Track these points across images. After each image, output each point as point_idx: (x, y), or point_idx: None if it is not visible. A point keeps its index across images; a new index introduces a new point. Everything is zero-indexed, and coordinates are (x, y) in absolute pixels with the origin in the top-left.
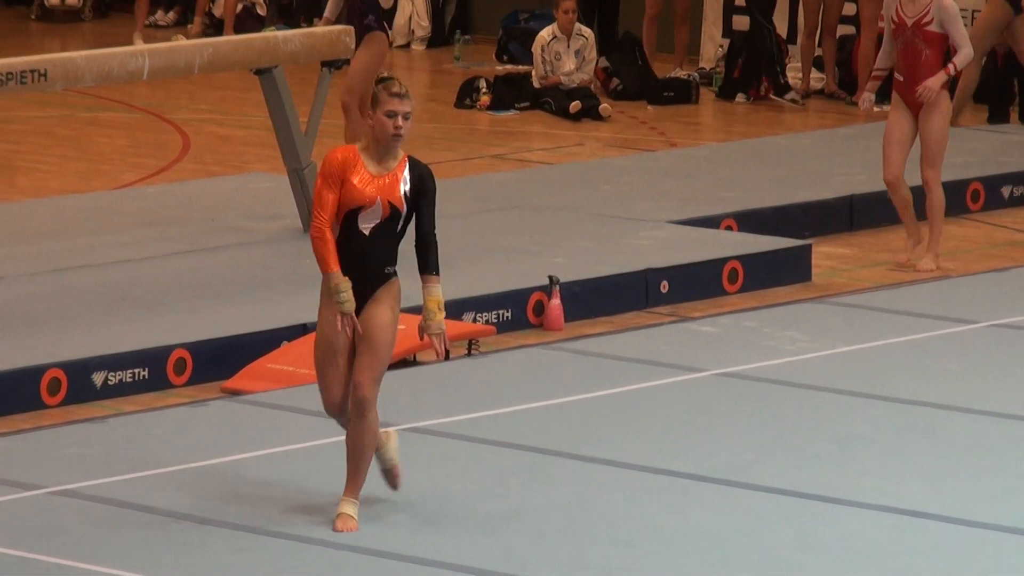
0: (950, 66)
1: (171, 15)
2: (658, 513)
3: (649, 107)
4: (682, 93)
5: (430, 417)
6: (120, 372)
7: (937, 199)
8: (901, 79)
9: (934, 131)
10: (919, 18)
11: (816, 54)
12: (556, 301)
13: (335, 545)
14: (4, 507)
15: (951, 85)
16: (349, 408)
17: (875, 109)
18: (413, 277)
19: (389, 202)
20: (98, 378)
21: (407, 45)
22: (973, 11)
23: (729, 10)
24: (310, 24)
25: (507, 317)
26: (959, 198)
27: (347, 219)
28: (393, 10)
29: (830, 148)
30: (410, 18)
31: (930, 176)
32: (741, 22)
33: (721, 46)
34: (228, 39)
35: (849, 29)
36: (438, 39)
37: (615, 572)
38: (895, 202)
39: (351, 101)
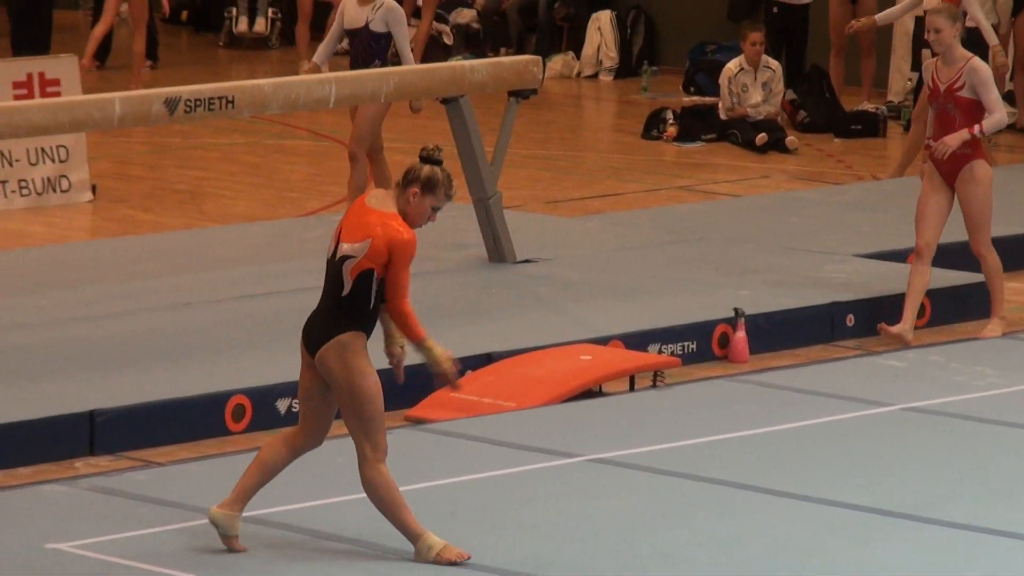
0: (976, 126)
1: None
2: (843, 548)
3: (836, 140)
4: (870, 126)
5: (614, 448)
6: (292, 400)
7: (992, 266)
8: (932, 145)
9: (975, 201)
10: (951, 83)
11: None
12: (741, 333)
13: (515, 574)
14: (189, 532)
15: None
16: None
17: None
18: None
19: None
20: (282, 405)
21: (595, 75)
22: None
23: (917, 44)
24: (497, 53)
25: (692, 349)
26: None
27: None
28: (580, 40)
29: (1021, 183)
30: (598, 48)
31: (980, 245)
32: (930, 56)
33: (910, 79)
34: (414, 68)
35: None
36: (626, 70)
37: None
38: (920, 280)
39: (359, 151)
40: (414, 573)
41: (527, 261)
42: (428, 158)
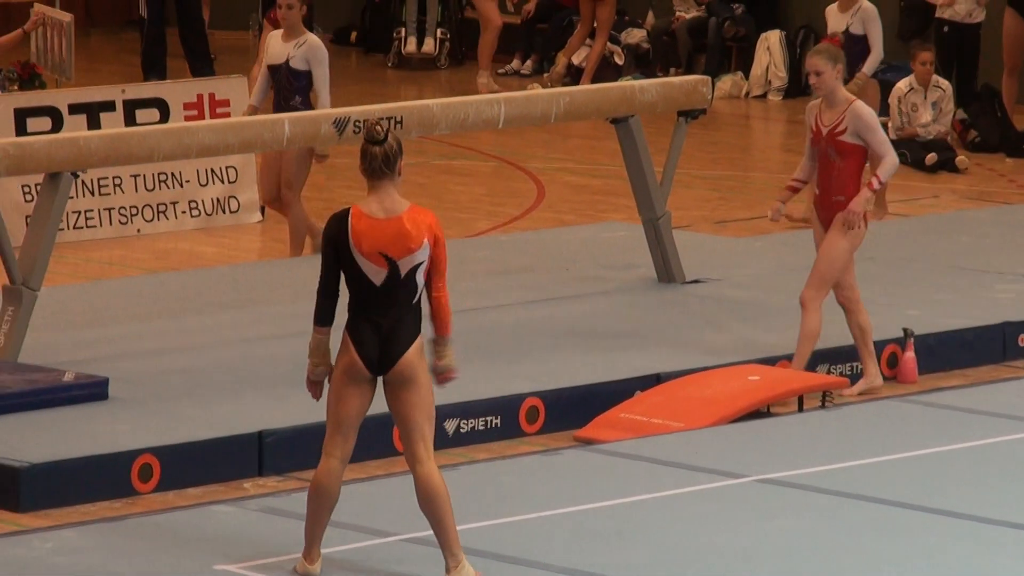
0: (873, 180)
1: (529, 63)
2: (1013, 569)
3: (1007, 160)
4: None
5: (783, 469)
6: (472, 420)
7: (808, 325)
8: (817, 192)
9: (832, 252)
10: (834, 126)
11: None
12: (910, 353)
13: None
14: (358, 553)
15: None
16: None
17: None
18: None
19: None
20: (450, 425)
21: (764, 95)
22: None
23: None
24: (666, 73)
25: (861, 369)
26: None
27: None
28: (749, 60)
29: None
30: (767, 68)
31: (809, 297)
32: None
33: None
34: (585, 88)
35: None
36: (795, 89)
37: None
38: (805, 327)
39: (292, 196)
40: None
41: (696, 281)
42: (384, 136)
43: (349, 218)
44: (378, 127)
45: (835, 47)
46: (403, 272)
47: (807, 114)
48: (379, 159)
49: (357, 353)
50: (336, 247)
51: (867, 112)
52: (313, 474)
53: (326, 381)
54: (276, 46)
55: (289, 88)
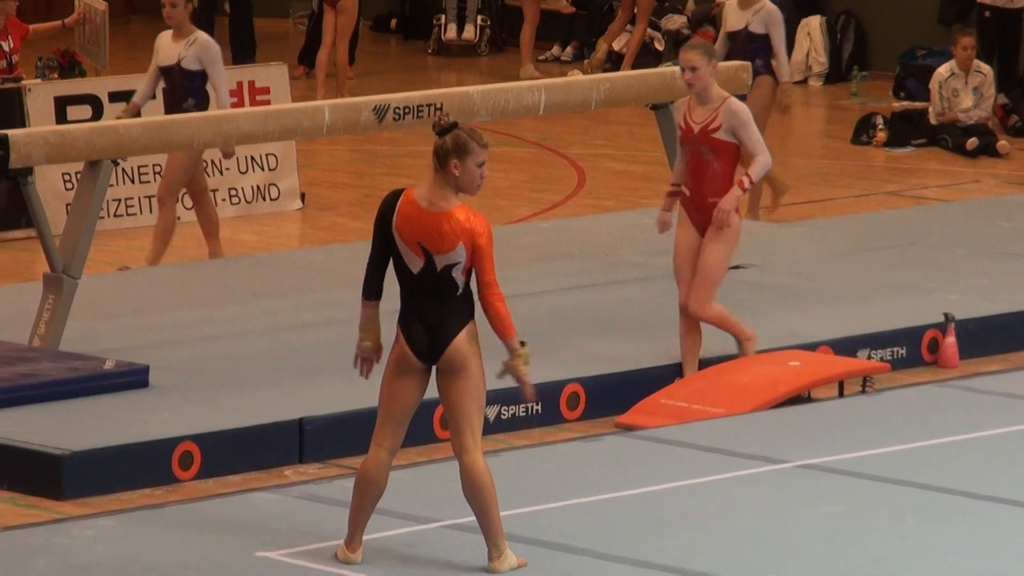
0: (744, 179)
1: (569, 50)
2: None
3: None
4: None
5: (823, 454)
6: (513, 406)
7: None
8: (688, 193)
9: (711, 258)
10: (707, 124)
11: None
12: (951, 339)
13: None
14: (399, 539)
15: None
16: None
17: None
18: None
19: None
20: (491, 412)
21: (804, 81)
22: None
23: None
24: None
25: (901, 354)
26: None
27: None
28: (791, 45)
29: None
30: (808, 54)
31: (696, 309)
32: None
33: None
34: (625, 74)
35: None
36: (835, 75)
37: None
38: (684, 334)
39: (168, 196)
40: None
41: (736, 267)
42: (444, 129)
43: (399, 199)
44: (441, 119)
45: (709, 42)
46: (439, 267)
47: (675, 111)
48: (433, 150)
49: (407, 343)
50: (383, 224)
51: (742, 108)
52: (361, 463)
53: (377, 363)
54: (166, 47)
55: (183, 89)
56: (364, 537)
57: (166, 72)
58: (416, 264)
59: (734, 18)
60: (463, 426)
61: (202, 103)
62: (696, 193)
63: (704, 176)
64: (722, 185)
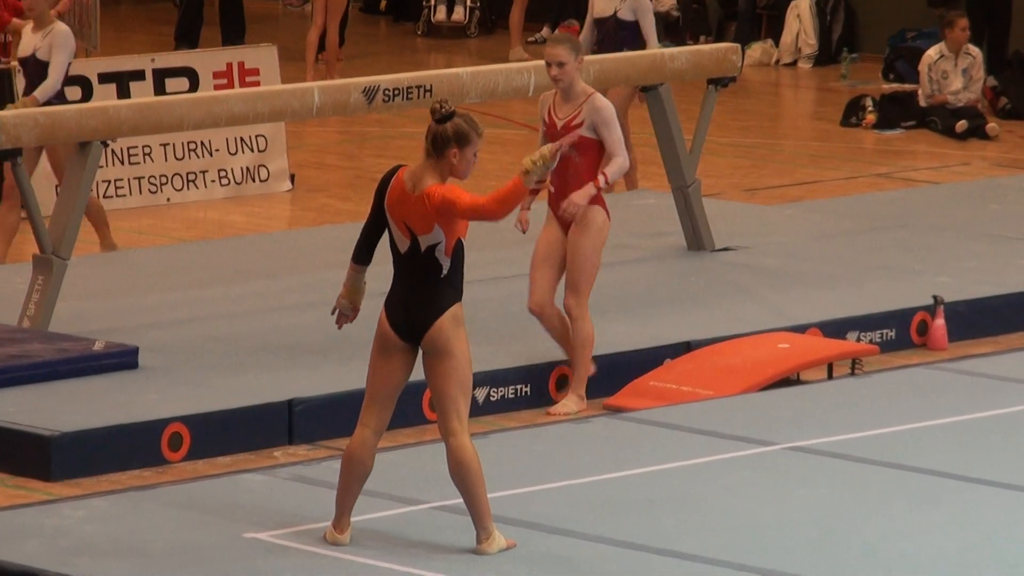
0: (600, 177)
1: (558, 31)
2: None
3: None
4: None
5: (812, 436)
6: (503, 388)
7: (582, 333)
8: (552, 190)
9: (581, 251)
10: (570, 120)
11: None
12: (940, 321)
13: (722, 563)
14: (387, 521)
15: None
16: None
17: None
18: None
19: None
20: (480, 394)
21: (794, 63)
22: None
23: None
24: (696, 41)
25: (890, 337)
26: None
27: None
28: (779, 27)
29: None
30: (797, 36)
31: (572, 305)
32: None
33: None
34: (614, 56)
35: None
36: (825, 57)
37: None
38: (550, 334)
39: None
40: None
41: (725, 249)
42: (443, 116)
43: (393, 178)
44: (442, 106)
45: (575, 37)
46: (423, 247)
47: (540, 107)
48: (430, 135)
49: (388, 321)
50: (379, 199)
51: (606, 105)
52: (346, 443)
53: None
54: (26, 39)
55: (39, 79)
56: (352, 519)
57: (24, 63)
58: (403, 244)
59: (602, 4)
60: (448, 409)
61: (62, 94)
62: (560, 191)
63: (568, 173)
64: (585, 182)
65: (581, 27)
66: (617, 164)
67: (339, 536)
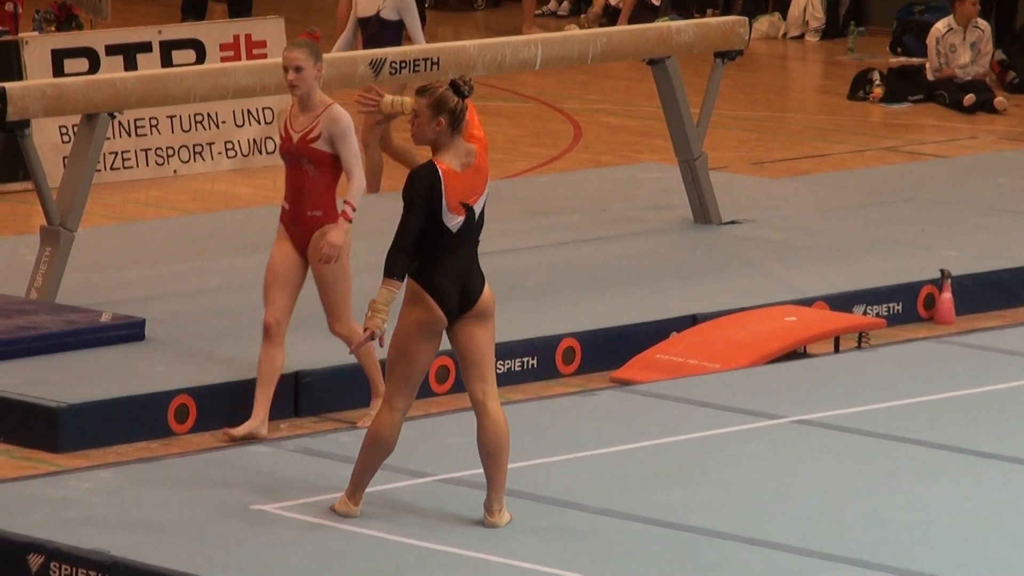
0: (347, 209)
1: (565, 4)
2: None
3: None
4: None
5: (819, 410)
6: (509, 360)
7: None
8: (287, 207)
9: (328, 275)
10: (306, 132)
11: None
12: (947, 295)
13: (728, 536)
14: (394, 494)
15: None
16: None
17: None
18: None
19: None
20: None
21: (801, 36)
22: None
23: None
24: (703, 15)
25: (897, 310)
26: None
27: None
28: (787, 1)
29: None
30: (804, 9)
31: (338, 330)
32: None
33: None
34: (622, 29)
35: None
36: (832, 30)
37: (1006, 568)
38: (261, 355)
39: (370, 138)
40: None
41: (732, 222)
42: (471, 89)
43: (442, 177)
44: (464, 81)
45: (315, 43)
46: (477, 214)
47: (278, 119)
48: (455, 113)
49: (439, 305)
50: (430, 204)
51: (344, 117)
52: (373, 423)
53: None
54: None
55: (382, 39)
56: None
57: (363, 24)
58: (457, 224)
59: (365, 3)
60: (488, 373)
61: None
62: (295, 207)
63: (304, 188)
64: (324, 198)
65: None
66: (356, 185)
67: (352, 508)
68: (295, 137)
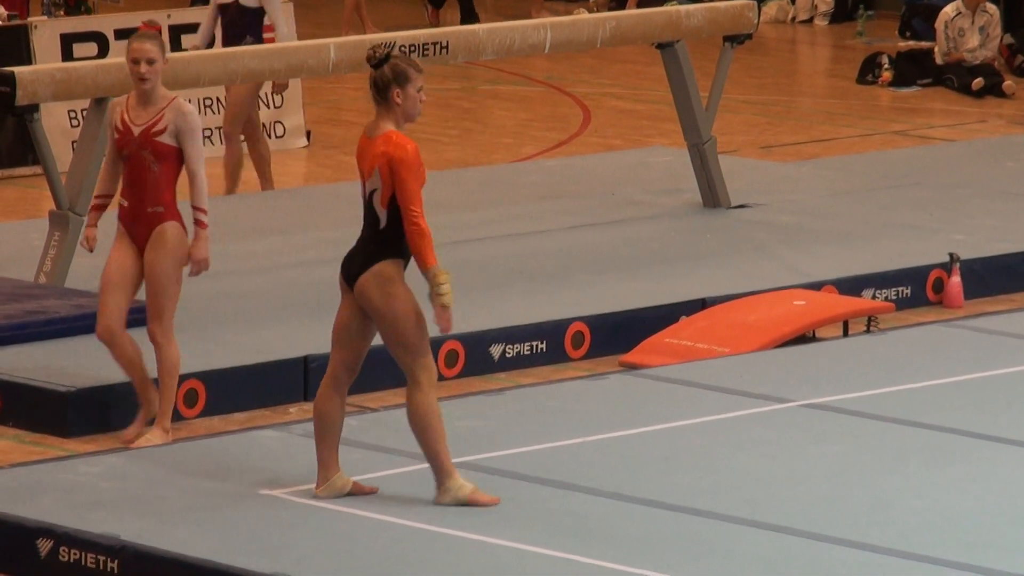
0: (201, 218)
1: None
2: None
3: None
4: None
5: (828, 394)
6: (518, 344)
7: (168, 360)
8: (126, 204)
9: (160, 273)
10: (150, 125)
11: None
12: (956, 279)
13: (737, 520)
14: (402, 478)
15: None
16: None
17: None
18: None
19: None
20: (495, 350)
21: (810, 20)
22: None
23: None
24: None
25: (906, 294)
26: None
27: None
28: None
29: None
30: None
31: (157, 331)
32: None
33: None
34: (631, 13)
35: None
36: (841, 14)
37: (1017, 551)
38: (118, 362)
39: (233, 131)
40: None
41: (741, 206)
42: (379, 60)
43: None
44: (375, 51)
45: (159, 34)
46: (366, 193)
47: (109, 112)
48: (372, 83)
49: (342, 266)
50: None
51: (192, 112)
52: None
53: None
54: None
55: (238, 28)
56: (367, 475)
57: (223, 10)
58: (362, 194)
59: None
60: (405, 367)
61: (260, 39)
62: (135, 203)
63: (145, 184)
64: (165, 193)
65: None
66: (202, 187)
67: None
68: (136, 131)
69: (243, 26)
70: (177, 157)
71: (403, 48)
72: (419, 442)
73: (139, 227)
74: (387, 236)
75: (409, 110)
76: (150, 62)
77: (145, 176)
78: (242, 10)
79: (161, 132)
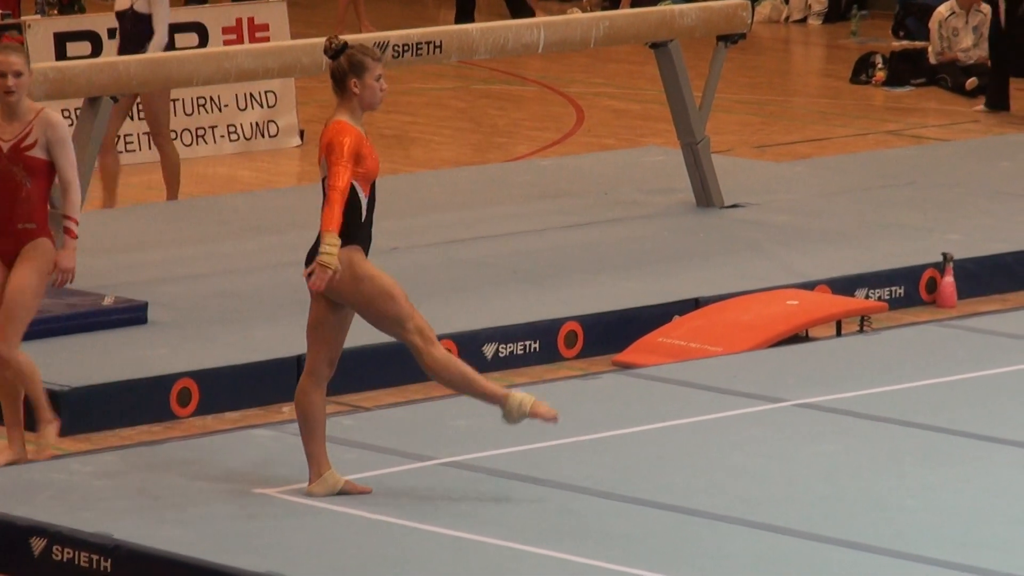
0: (71, 227)
1: None
2: None
3: None
4: None
5: (821, 393)
6: (511, 344)
7: (28, 369)
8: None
9: (26, 287)
10: (19, 139)
11: None
12: (949, 278)
13: (731, 519)
14: (396, 477)
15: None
16: None
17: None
18: None
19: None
20: (488, 350)
21: (803, 20)
22: None
23: None
24: None
25: (899, 294)
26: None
27: (372, 189)
28: None
29: None
30: None
31: (4, 344)
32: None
33: None
34: (624, 12)
35: None
36: (835, 14)
37: (1011, 551)
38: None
39: (163, 141)
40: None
41: (735, 206)
42: (336, 51)
43: None
44: (331, 42)
45: (22, 47)
46: (321, 180)
47: None
48: (330, 74)
49: None
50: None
51: (62, 123)
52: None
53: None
54: None
55: (137, 33)
56: (361, 474)
57: (120, 17)
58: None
59: None
60: (399, 338)
61: (173, 45)
62: (5, 220)
63: (16, 200)
64: (38, 209)
65: None
66: (73, 200)
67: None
68: (5, 147)
69: (140, 33)
70: (50, 170)
71: (397, 47)
72: (462, 388)
73: (8, 243)
74: (342, 224)
75: (368, 99)
76: (17, 74)
77: (16, 192)
78: (137, 16)
79: (31, 146)
